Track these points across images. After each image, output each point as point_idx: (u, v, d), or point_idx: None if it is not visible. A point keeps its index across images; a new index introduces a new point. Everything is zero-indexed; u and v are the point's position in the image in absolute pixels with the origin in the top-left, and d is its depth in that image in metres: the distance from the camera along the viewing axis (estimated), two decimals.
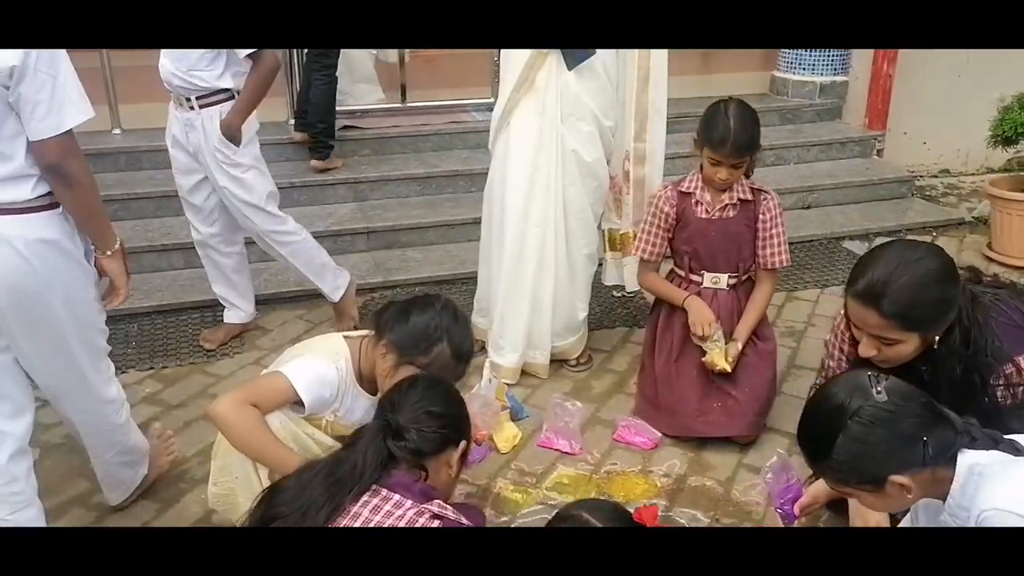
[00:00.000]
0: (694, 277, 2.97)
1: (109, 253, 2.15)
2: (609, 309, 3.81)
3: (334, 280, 3.51)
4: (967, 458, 1.52)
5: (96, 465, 2.44)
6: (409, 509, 1.64)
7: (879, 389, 1.53)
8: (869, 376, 1.56)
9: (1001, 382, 2.04)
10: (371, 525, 1.61)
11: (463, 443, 1.85)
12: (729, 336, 2.88)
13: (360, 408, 2.19)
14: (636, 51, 3.14)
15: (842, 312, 2.31)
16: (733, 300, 2.95)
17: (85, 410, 2.28)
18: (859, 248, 4.46)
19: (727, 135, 2.74)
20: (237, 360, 3.42)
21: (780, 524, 2.47)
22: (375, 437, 1.72)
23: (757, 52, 5.74)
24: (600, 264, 3.45)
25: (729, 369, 2.79)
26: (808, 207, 4.84)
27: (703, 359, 2.82)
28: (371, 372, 2.16)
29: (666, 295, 2.98)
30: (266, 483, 1.95)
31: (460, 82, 5.41)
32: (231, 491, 2.14)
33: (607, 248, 3.46)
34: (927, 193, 5.32)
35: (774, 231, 2.90)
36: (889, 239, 2.29)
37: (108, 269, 2.18)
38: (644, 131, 3.23)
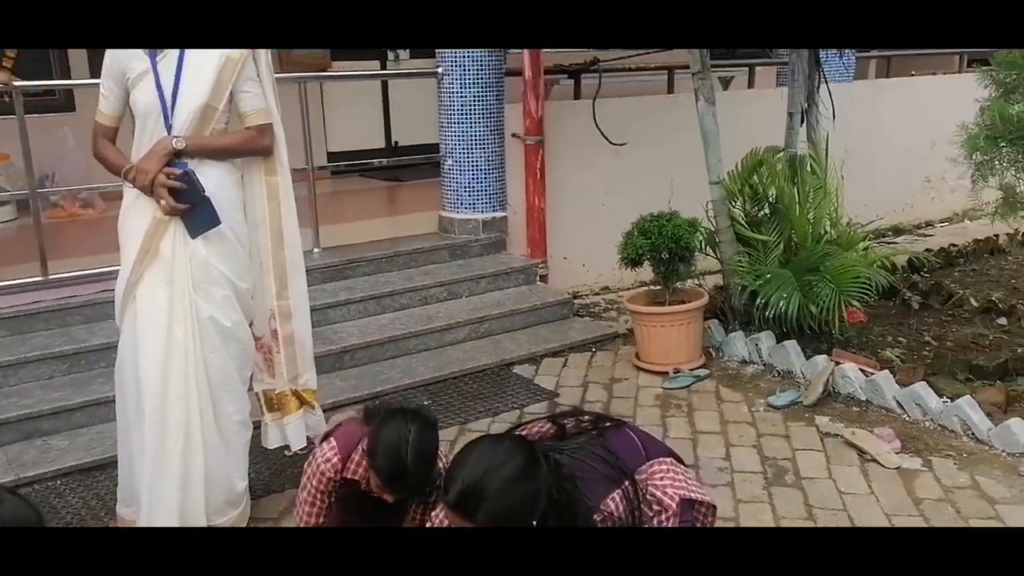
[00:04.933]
0: None
1: None
2: (279, 471, 3.64)
3: None
4: None
5: None
6: None
7: None
8: None
9: None
10: None
11: None
12: None
13: None
14: (266, 211, 3.15)
15: None
16: None
17: None
18: (528, 372, 4.70)
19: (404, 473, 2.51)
20: None
21: None
22: None
23: (431, 195, 6.02)
24: (258, 427, 3.32)
25: None
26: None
27: None
28: None
29: None
30: None
31: (109, 246, 5.04)
32: None
33: (264, 410, 3.33)
34: (592, 310, 5.77)
35: None
36: (480, 436, 2.36)
37: None
38: (285, 288, 3.21)
